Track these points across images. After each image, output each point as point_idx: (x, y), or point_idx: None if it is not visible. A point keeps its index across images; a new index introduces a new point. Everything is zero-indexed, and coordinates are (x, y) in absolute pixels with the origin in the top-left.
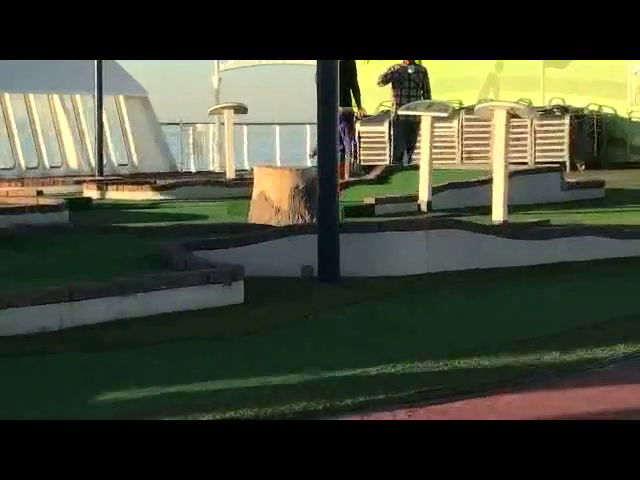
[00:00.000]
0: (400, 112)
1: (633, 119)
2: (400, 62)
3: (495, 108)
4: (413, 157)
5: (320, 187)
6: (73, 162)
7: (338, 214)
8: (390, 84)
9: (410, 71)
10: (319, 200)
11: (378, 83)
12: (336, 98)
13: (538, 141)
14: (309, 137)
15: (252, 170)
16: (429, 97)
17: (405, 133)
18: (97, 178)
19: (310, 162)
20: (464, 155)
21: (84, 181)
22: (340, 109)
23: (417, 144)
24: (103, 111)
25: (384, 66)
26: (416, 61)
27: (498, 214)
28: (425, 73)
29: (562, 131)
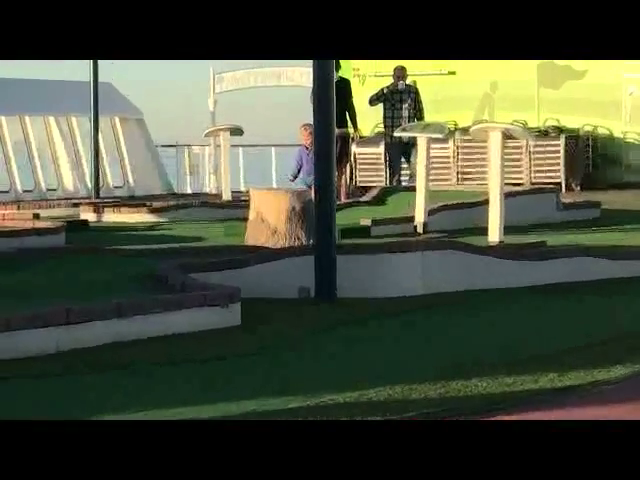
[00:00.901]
0: (396, 134)
1: (628, 139)
2: (391, 80)
3: (490, 129)
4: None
5: (317, 209)
6: (69, 184)
7: (335, 236)
8: (382, 105)
9: (400, 88)
10: (316, 222)
11: (370, 103)
12: (332, 117)
13: (533, 162)
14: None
15: (248, 192)
16: (422, 117)
17: (400, 154)
18: (94, 200)
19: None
20: (459, 176)
21: (80, 204)
22: (336, 130)
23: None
24: (99, 133)
25: (378, 86)
26: (407, 81)
27: (494, 235)
28: (416, 92)
29: (557, 152)
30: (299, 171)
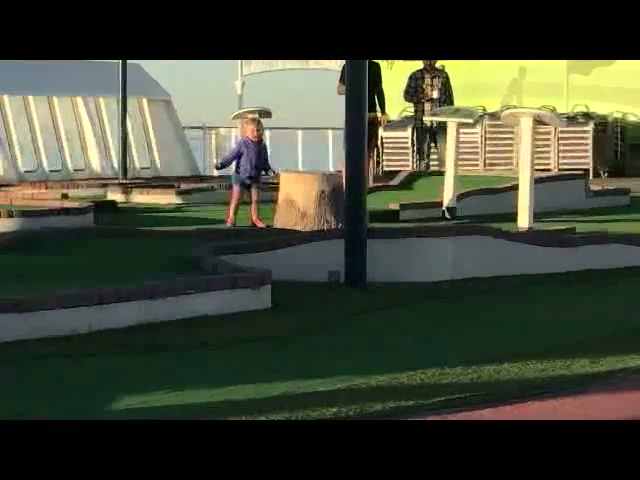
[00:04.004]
0: (426, 118)
1: None
2: (420, 66)
3: (521, 115)
4: (431, 163)
5: (347, 193)
6: (96, 165)
7: (365, 220)
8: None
9: (433, 96)
10: (346, 206)
11: (405, 99)
12: (364, 101)
13: (561, 148)
14: (332, 142)
15: (276, 174)
16: (452, 102)
17: (429, 138)
18: (121, 181)
19: (333, 167)
20: (487, 161)
21: (108, 184)
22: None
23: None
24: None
25: (407, 70)
26: (437, 65)
27: (524, 221)
28: (447, 78)
29: (586, 138)
30: (233, 161)
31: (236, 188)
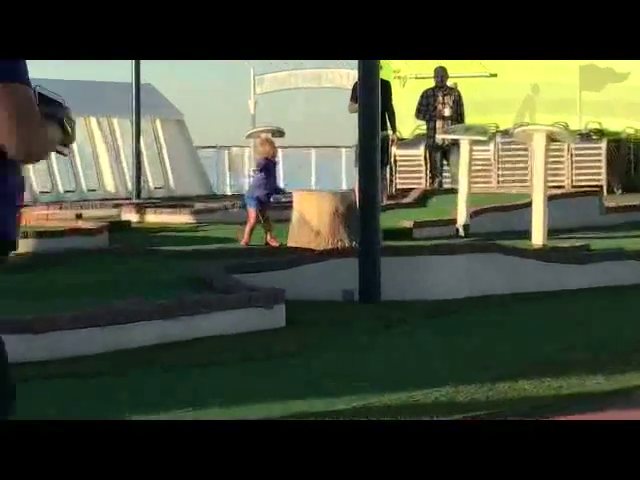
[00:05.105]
0: (439, 136)
1: None
2: (432, 83)
3: (534, 132)
4: (445, 180)
5: (361, 211)
6: (110, 185)
7: (379, 238)
8: (425, 107)
9: (446, 114)
10: (361, 224)
11: (416, 117)
12: (377, 118)
13: (575, 165)
14: (345, 160)
15: (289, 193)
16: (462, 121)
17: (442, 155)
18: (135, 201)
19: (346, 185)
20: (500, 179)
21: (122, 204)
22: None
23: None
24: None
25: (419, 88)
26: (449, 83)
27: (538, 238)
28: (459, 95)
29: (599, 154)
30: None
31: (252, 209)
